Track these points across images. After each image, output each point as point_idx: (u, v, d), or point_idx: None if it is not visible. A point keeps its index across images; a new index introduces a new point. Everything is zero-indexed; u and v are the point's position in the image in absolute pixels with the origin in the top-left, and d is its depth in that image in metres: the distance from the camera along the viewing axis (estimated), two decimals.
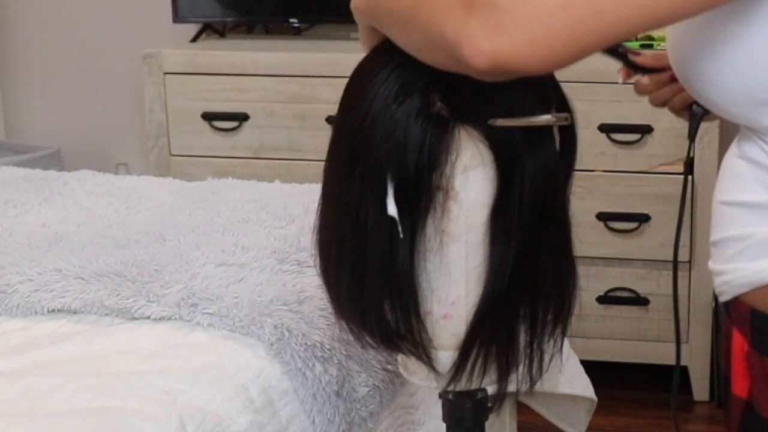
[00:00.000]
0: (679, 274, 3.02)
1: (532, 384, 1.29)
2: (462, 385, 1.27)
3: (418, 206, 1.18)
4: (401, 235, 1.19)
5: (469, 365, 1.25)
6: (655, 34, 3.15)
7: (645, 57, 1.35)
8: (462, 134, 1.17)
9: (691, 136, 1.37)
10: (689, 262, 3.01)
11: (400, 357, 1.36)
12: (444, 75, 1.17)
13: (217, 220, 2.12)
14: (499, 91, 1.16)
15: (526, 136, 1.18)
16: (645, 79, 1.36)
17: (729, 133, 3.28)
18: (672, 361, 3.08)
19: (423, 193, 1.18)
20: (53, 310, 1.74)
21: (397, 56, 1.18)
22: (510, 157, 1.18)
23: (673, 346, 3.06)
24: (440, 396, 1.34)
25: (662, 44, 3.11)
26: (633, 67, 1.36)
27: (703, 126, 2.94)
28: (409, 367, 1.33)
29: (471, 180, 1.18)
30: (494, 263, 1.21)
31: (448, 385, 1.28)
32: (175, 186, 2.44)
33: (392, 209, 1.18)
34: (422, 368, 1.29)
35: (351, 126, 1.22)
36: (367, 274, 1.21)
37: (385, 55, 1.20)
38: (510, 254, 1.20)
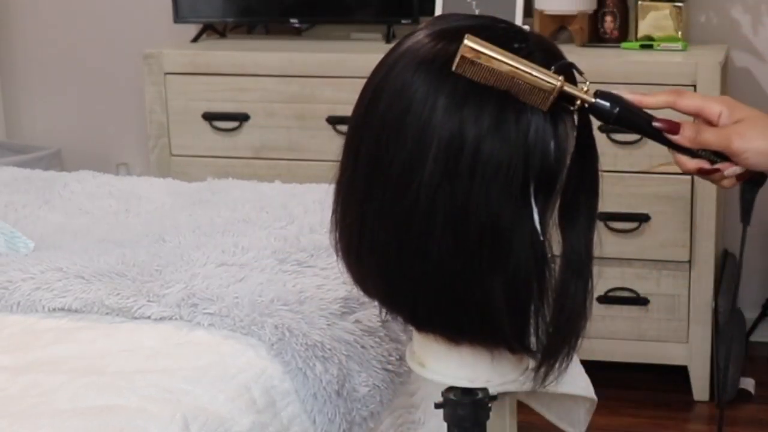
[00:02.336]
0: (679, 274, 3.04)
1: (546, 381, 1.29)
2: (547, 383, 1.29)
3: (548, 206, 1.22)
4: (541, 238, 1.22)
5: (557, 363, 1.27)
6: (655, 35, 3.15)
7: (683, 137, 1.23)
8: (569, 124, 1.21)
9: (745, 220, 1.29)
10: (689, 262, 3.01)
11: (413, 352, 1.35)
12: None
13: (217, 220, 2.12)
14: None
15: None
16: (690, 162, 1.26)
17: None
18: (672, 361, 3.09)
19: (555, 192, 1.21)
20: (54, 309, 1.74)
21: None
22: (588, 142, 1.23)
23: (673, 345, 3.07)
24: (442, 395, 1.34)
25: (662, 44, 3.11)
26: (671, 146, 1.25)
27: None
28: (427, 364, 1.31)
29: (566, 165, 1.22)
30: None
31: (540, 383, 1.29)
32: (175, 186, 2.44)
33: (536, 217, 1.20)
34: (440, 363, 1.29)
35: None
36: (520, 284, 1.21)
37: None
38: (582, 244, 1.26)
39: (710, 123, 1.24)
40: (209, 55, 3.29)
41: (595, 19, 3.26)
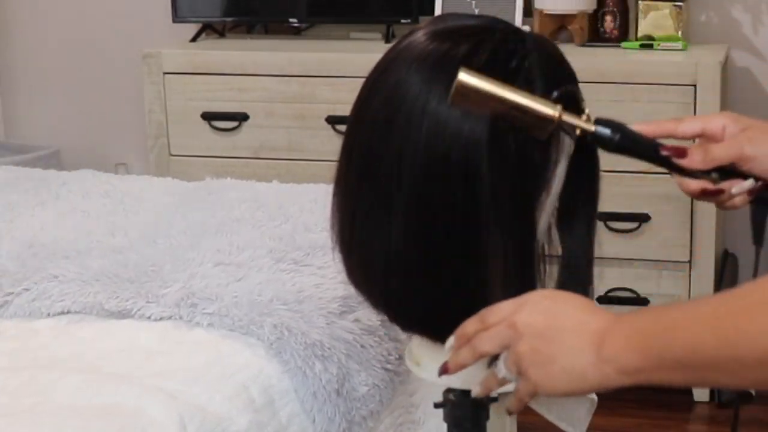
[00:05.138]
0: (679, 274, 3.03)
1: None
2: None
3: (537, 208, 1.22)
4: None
5: None
6: (655, 34, 3.15)
7: (692, 159, 1.19)
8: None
9: (758, 242, 1.24)
10: (689, 262, 3.01)
11: (411, 351, 1.34)
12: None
13: (211, 220, 2.11)
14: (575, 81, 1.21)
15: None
16: (693, 184, 1.23)
17: None
18: None
19: (543, 192, 1.21)
20: (53, 314, 1.74)
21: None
22: (584, 151, 1.22)
23: None
24: (443, 395, 1.34)
25: (663, 44, 3.11)
26: (679, 171, 1.21)
27: None
28: (423, 363, 1.31)
29: (561, 168, 1.22)
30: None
31: None
32: (172, 186, 2.43)
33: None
34: (435, 363, 1.28)
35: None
36: (509, 288, 1.22)
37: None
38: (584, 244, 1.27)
39: (715, 141, 1.22)
40: (208, 54, 3.29)
41: (595, 18, 3.25)
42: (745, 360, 0.94)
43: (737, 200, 1.22)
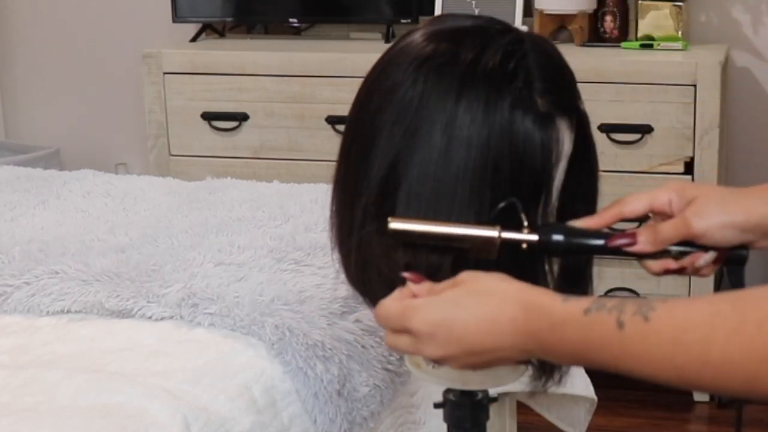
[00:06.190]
0: None
1: (546, 386, 1.29)
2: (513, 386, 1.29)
3: (537, 208, 1.21)
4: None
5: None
6: (655, 34, 3.15)
7: (642, 245, 1.15)
8: (563, 127, 1.21)
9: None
10: None
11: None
12: (536, 72, 1.19)
13: (212, 220, 2.11)
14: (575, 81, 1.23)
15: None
16: (655, 265, 1.19)
17: (729, 132, 3.27)
18: None
19: (542, 193, 1.20)
20: (53, 312, 1.74)
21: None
22: (586, 146, 1.23)
23: None
24: (443, 395, 1.34)
25: (663, 44, 3.11)
26: (635, 257, 1.17)
27: (703, 126, 2.94)
28: (423, 364, 1.31)
29: (560, 168, 1.22)
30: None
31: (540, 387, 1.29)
32: (172, 186, 2.43)
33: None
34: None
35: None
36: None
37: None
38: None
39: (665, 215, 1.18)
40: (208, 54, 3.29)
41: (595, 18, 3.25)
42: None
43: (706, 270, 1.18)
